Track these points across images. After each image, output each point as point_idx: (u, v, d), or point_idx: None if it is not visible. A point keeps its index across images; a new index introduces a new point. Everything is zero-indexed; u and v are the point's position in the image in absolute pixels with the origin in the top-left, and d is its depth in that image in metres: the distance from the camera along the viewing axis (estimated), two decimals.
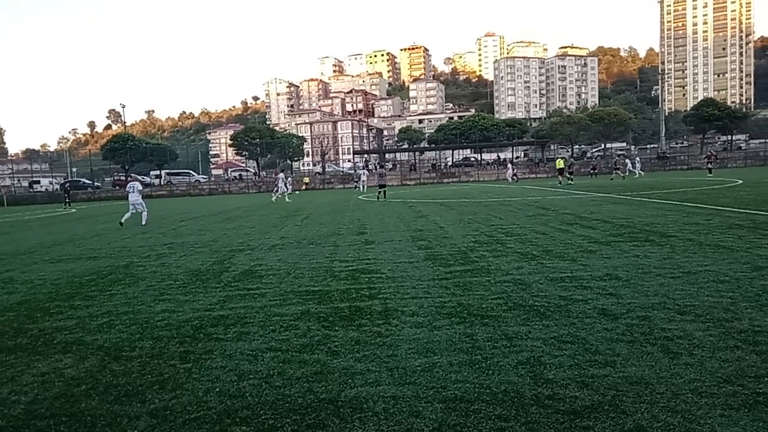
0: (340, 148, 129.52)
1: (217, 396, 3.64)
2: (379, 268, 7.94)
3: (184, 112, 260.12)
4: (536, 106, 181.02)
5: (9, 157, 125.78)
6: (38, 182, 69.06)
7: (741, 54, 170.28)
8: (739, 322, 4.59)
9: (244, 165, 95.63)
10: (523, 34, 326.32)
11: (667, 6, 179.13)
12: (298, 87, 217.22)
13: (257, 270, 8.36)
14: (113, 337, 5.13)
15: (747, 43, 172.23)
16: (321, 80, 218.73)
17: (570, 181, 35.31)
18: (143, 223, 17.96)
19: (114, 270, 9.09)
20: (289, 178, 39.47)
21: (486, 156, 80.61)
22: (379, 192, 28.23)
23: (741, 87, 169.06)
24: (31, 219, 27.05)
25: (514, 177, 48.14)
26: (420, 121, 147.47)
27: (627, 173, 39.62)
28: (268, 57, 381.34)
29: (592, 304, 5.41)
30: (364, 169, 44.62)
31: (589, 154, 76.73)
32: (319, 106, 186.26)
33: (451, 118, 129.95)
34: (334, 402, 3.44)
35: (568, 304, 5.43)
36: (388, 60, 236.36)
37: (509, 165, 53.78)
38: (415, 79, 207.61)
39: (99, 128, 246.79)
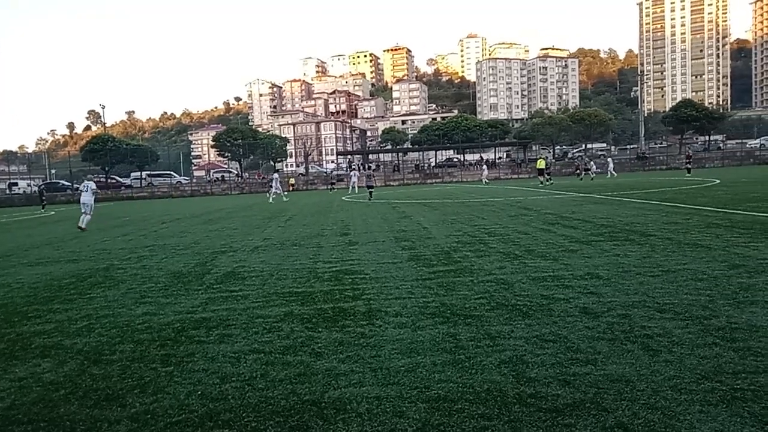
0: (323, 149, 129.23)
1: (199, 399, 3.61)
2: (363, 269, 7.93)
3: (165, 113, 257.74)
4: (518, 106, 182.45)
5: None
6: (16, 184, 67.89)
7: (718, 56, 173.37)
8: (717, 320, 4.66)
9: (226, 166, 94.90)
10: (504, 36, 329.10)
11: (646, 8, 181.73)
12: (281, 88, 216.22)
13: (240, 272, 8.30)
14: (93, 341, 5.06)
15: (723, 45, 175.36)
16: (304, 81, 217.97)
17: (549, 182, 35.63)
18: (81, 225, 17.18)
19: (94, 273, 8.97)
20: (288, 179, 39.91)
21: (469, 156, 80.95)
22: (371, 193, 29.24)
23: (718, 88, 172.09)
24: (9, 221, 26.57)
25: (485, 178, 48.79)
26: (403, 122, 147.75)
27: (594, 175, 40.23)
28: (250, 57, 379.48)
29: (573, 302, 5.46)
30: (354, 170, 44.53)
31: (570, 155, 77.46)
32: (302, 107, 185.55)
33: (434, 119, 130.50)
34: (318, 403, 3.43)
35: (550, 303, 5.47)
36: (371, 61, 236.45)
37: (484, 166, 54.03)
38: (398, 80, 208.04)
39: (78, 129, 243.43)
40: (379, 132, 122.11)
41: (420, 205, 21.32)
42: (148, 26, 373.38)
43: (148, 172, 70.71)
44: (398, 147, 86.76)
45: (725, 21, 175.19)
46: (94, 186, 18.55)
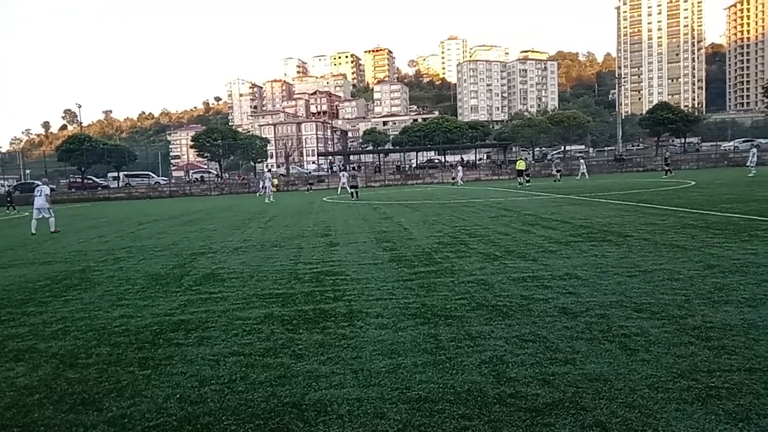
0: (304, 149, 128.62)
1: (177, 402, 3.56)
2: (344, 270, 7.92)
3: (144, 113, 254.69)
4: (498, 108, 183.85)
5: None
6: None
7: (693, 60, 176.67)
8: (692, 319, 4.74)
9: (206, 167, 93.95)
10: (485, 38, 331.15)
11: (624, 12, 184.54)
12: (261, 88, 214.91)
13: (219, 273, 8.23)
14: (68, 344, 4.97)
15: (699, 50, 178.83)
16: (284, 81, 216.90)
17: (528, 183, 35.97)
18: (52, 229, 16.76)
19: (69, 275, 8.81)
20: (271, 180, 39.85)
21: (450, 158, 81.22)
22: (356, 192, 30.48)
23: (693, 91, 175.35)
24: None
25: (454, 179, 49.31)
26: (384, 123, 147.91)
27: (559, 178, 41.00)
28: (230, 57, 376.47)
29: (552, 303, 5.51)
30: (344, 171, 44.39)
31: (549, 156, 78.24)
32: (283, 108, 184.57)
33: (415, 120, 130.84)
34: (298, 405, 3.41)
35: (530, 304, 5.52)
36: (352, 62, 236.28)
37: (459, 167, 54.22)
38: (380, 81, 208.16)
39: (54, 129, 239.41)
40: (361, 133, 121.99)
41: (401, 206, 21.35)
42: (125, 24, 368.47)
43: (126, 173, 69.68)
44: (379, 148, 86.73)
45: (700, 26, 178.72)
46: (47, 190, 17.74)
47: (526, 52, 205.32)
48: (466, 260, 8.23)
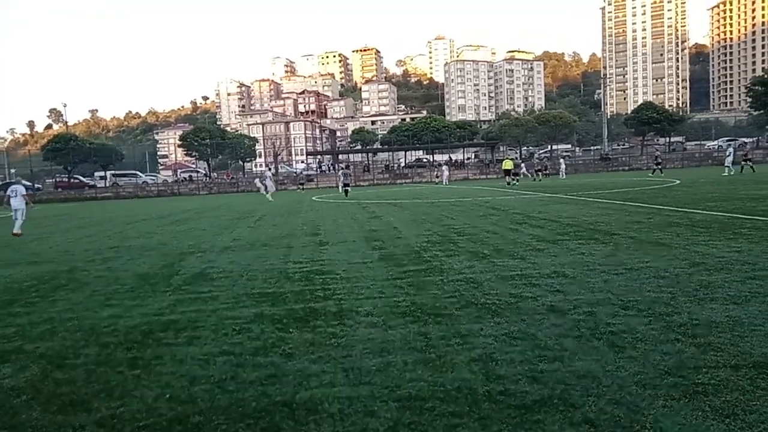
0: (292, 149, 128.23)
1: (167, 402, 3.55)
2: (334, 269, 7.92)
3: (131, 112, 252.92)
4: (485, 108, 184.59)
5: None
6: None
7: (677, 60, 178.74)
8: (678, 316, 4.80)
9: (194, 166, 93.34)
10: (472, 38, 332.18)
11: (609, 13, 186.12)
12: (250, 87, 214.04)
13: (209, 273, 8.19)
14: (56, 345, 4.92)
15: (683, 50, 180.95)
16: (273, 81, 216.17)
17: (516, 182, 36.17)
18: (15, 231, 15.80)
19: (57, 275, 8.72)
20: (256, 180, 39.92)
21: (438, 157, 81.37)
22: (345, 190, 31.43)
23: (678, 91, 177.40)
24: None
25: (437, 178, 49.68)
26: (373, 123, 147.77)
27: (534, 178, 41.55)
28: (218, 56, 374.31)
29: (540, 300, 5.55)
30: (342, 168, 44.24)
31: (536, 156, 78.68)
32: (271, 107, 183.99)
33: (404, 119, 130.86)
34: (289, 405, 3.41)
35: (518, 302, 5.56)
36: (340, 61, 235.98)
37: (444, 167, 54.27)
38: (368, 81, 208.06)
39: (39, 128, 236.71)
40: (349, 132, 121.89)
41: (390, 205, 21.37)
42: (111, 23, 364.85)
43: (113, 172, 69.05)
44: (368, 147, 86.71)
45: (684, 26, 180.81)
46: (23, 190, 16.96)
47: (512, 52, 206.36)
48: (455, 259, 8.27)
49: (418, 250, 9.36)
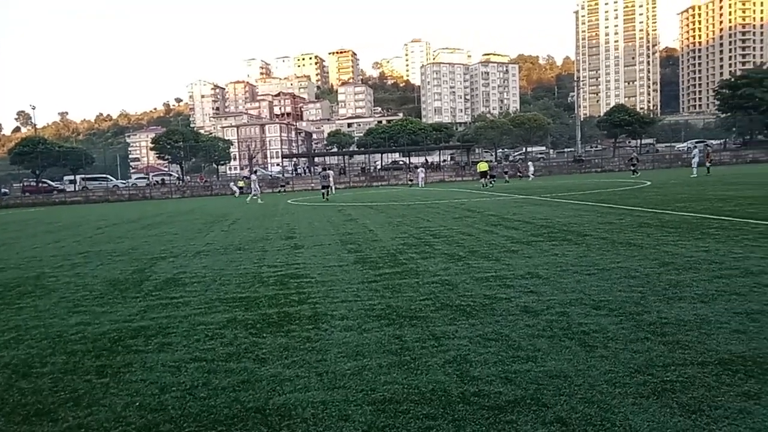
0: (268, 151, 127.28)
1: (136, 410, 3.48)
2: (309, 273, 7.87)
3: (101, 114, 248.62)
4: (461, 110, 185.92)
5: None
6: None
7: (648, 63, 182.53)
8: (648, 315, 4.89)
9: (166, 169, 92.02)
10: (448, 41, 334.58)
11: (582, 17, 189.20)
12: (224, 89, 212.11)
13: (180, 278, 8.07)
14: (21, 353, 4.80)
15: (653, 53, 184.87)
16: (247, 82, 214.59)
17: (491, 185, 36.48)
18: None
19: (23, 281, 8.50)
20: (236, 182, 39.35)
21: (414, 159, 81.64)
22: (325, 192, 31.31)
23: (649, 94, 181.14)
24: None
25: (411, 181, 49.96)
26: (349, 125, 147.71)
27: (502, 180, 42.34)
28: (191, 58, 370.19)
29: (514, 302, 5.60)
30: (330, 170, 43.90)
31: (511, 158, 79.51)
32: (246, 109, 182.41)
33: (380, 122, 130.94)
34: (262, 410, 3.38)
35: (493, 303, 5.59)
36: (316, 63, 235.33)
37: (420, 169, 54.47)
38: (344, 83, 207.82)
39: (7, 131, 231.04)
40: (325, 135, 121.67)
41: (366, 208, 21.36)
42: (82, 23, 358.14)
43: (83, 176, 67.69)
44: (344, 150, 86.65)
45: (655, 30, 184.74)
46: None
47: (488, 55, 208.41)
48: (430, 261, 8.29)
49: (394, 252, 9.36)
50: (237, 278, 7.78)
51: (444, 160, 79.43)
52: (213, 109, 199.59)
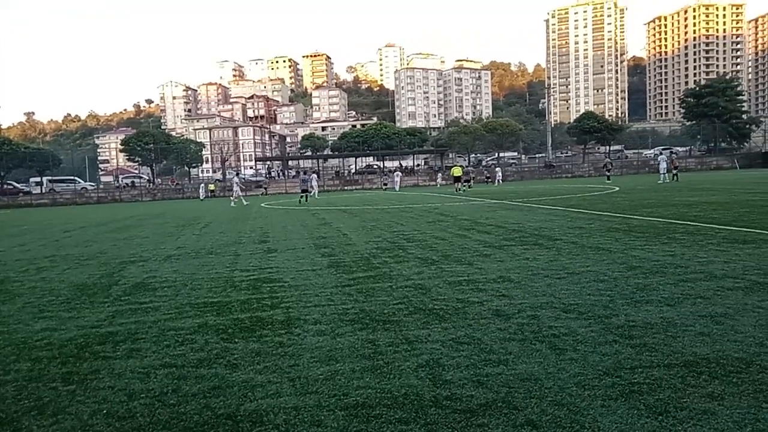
0: (241, 154, 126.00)
1: (104, 418, 3.41)
2: (282, 277, 7.82)
3: (69, 115, 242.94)
4: (435, 115, 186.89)
5: None
6: None
7: (617, 71, 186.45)
8: (616, 318, 4.99)
9: (137, 172, 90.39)
10: (422, 47, 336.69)
11: (552, 25, 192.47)
12: (196, 91, 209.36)
13: (150, 282, 7.94)
14: None
15: (621, 62, 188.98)
16: (220, 85, 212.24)
17: (464, 189, 36.78)
18: None
19: None
20: (207, 185, 38.61)
21: (388, 163, 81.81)
22: (302, 196, 31.50)
23: (617, 101, 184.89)
24: None
25: (385, 186, 50.40)
26: (323, 129, 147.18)
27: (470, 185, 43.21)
28: (162, 58, 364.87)
29: (486, 305, 5.65)
30: (314, 175, 43.59)
31: (484, 163, 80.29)
32: (219, 112, 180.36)
33: (354, 125, 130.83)
34: (233, 417, 3.34)
35: (465, 307, 5.64)
36: (290, 66, 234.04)
37: (397, 173, 54.70)
38: (318, 87, 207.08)
39: None
40: (299, 138, 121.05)
41: (340, 212, 21.32)
42: (49, 21, 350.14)
43: (50, 178, 66.05)
44: (318, 153, 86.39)
45: (623, 39, 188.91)
46: None
47: (461, 61, 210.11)
48: (404, 265, 8.31)
49: (368, 256, 9.37)
50: (208, 282, 7.69)
51: (418, 165, 79.75)
52: (185, 110, 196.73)
